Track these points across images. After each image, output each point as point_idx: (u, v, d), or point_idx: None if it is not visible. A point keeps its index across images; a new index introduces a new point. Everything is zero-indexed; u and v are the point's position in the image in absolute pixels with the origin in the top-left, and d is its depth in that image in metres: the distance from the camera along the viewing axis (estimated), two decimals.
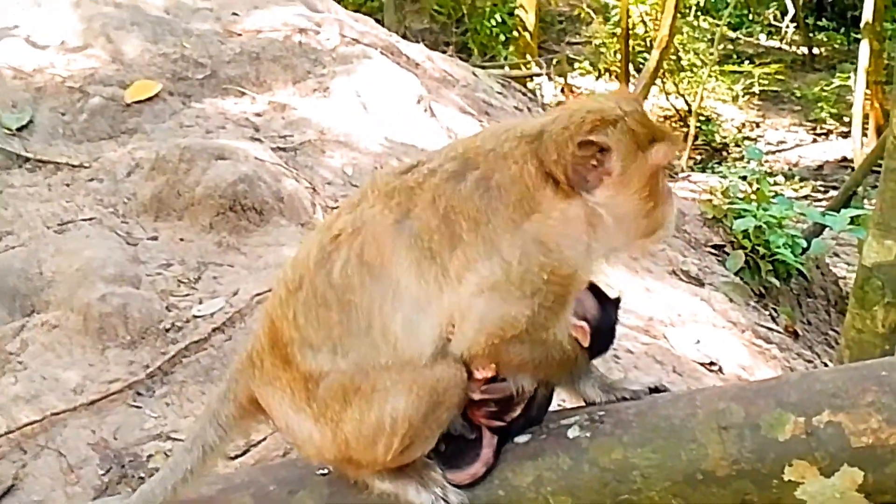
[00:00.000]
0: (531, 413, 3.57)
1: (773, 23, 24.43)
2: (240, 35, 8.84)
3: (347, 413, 3.40)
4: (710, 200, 9.81)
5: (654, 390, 3.62)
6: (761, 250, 9.13)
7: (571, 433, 3.38)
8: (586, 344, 3.57)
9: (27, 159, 7.42)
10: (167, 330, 6.08)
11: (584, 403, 3.63)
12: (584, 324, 3.57)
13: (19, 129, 7.60)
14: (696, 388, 5.89)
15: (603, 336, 3.68)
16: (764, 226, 9.19)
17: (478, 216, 3.40)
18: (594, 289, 3.69)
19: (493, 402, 3.50)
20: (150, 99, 8.02)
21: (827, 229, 10.75)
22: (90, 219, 6.86)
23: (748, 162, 10.86)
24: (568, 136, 3.45)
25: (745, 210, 9.29)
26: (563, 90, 19.44)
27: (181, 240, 6.81)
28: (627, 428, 3.31)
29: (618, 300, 3.80)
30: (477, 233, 3.38)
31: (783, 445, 3.14)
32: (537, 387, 3.55)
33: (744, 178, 9.85)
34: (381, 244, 3.43)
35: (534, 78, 17.67)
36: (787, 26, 24.24)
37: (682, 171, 16.52)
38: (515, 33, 19.11)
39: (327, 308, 3.44)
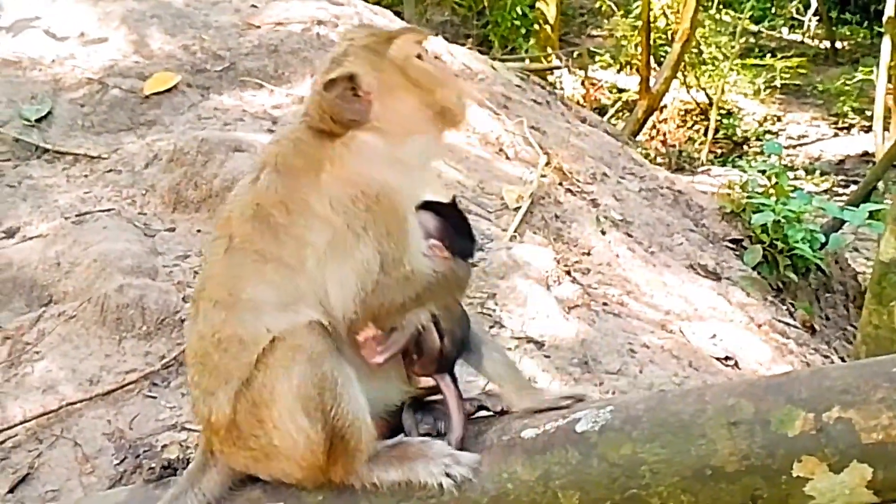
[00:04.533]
0: (455, 336, 3.64)
1: (796, 16, 24.29)
2: (258, 27, 8.85)
3: (268, 430, 3.48)
4: (729, 195, 9.76)
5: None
6: (779, 245, 9.08)
7: (580, 428, 3.38)
8: (447, 255, 3.65)
9: (46, 150, 7.46)
10: (183, 321, 6.08)
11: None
12: (434, 241, 3.66)
13: (38, 121, 7.63)
14: (711, 382, 5.88)
15: (459, 237, 3.76)
16: (782, 220, 9.14)
17: (282, 197, 3.50)
18: (429, 206, 3.76)
19: (409, 352, 3.59)
20: (168, 91, 8.04)
21: (846, 224, 10.70)
22: (108, 210, 6.89)
23: (768, 156, 10.78)
24: (315, 91, 3.61)
25: (764, 204, 9.23)
26: (583, 83, 19.40)
27: (198, 231, 6.82)
28: (636, 423, 3.31)
29: (453, 200, 3.88)
30: (288, 212, 3.48)
31: (793, 441, 3.13)
32: (437, 318, 3.60)
33: (763, 171, 9.78)
34: (222, 278, 3.56)
35: (554, 71, 17.63)
36: (810, 20, 24.11)
37: (702, 164, 16.50)
38: (536, 26, 19.06)
39: (207, 357, 3.55)
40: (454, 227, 3.76)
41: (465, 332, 3.71)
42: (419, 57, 3.68)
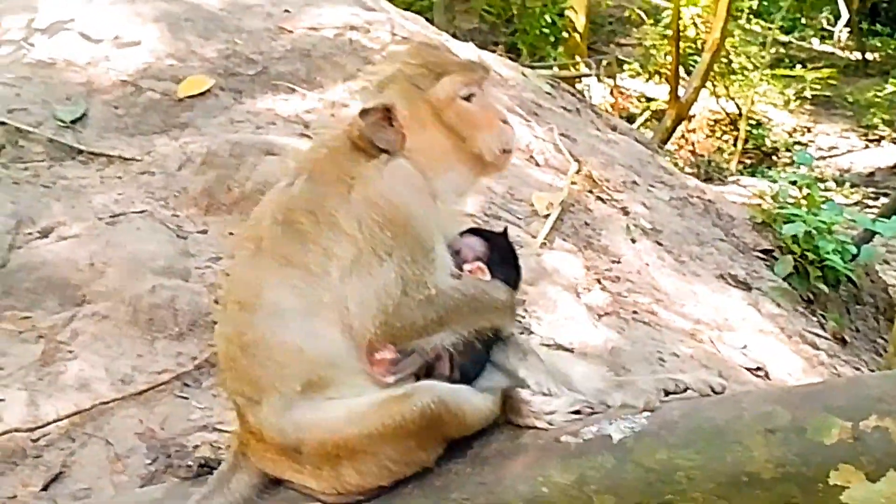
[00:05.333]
0: (467, 373, 3.67)
1: (826, 27, 24.18)
2: (291, 32, 8.89)
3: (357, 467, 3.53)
4: (760, 205, 9.72)
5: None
6: (810, 256, 9.03)
7: (616, 434, 3.38)
8: (487, 277, 3.69)
9: (80, 151, 7.50)
10: (215, 323, 6.09)
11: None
12: (477, 264, 3.70)
13: (73, 122, 7.68)
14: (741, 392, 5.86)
15: (504, 266, 3.76)
16: (813, 231, 9.10)
17: (312, 207, 3.54)
18: (478, 233, 3.82)
19: (419, 376, 3.60)
20: (201, 94, 8.08)
21: (877, 236, 10.64)
22: (141, 211, 6.93)
23: (798, 167, 10.75)
24: (357, 111, 3.63)
25: (795, 215, 9.19)
26: (611, 92, 19.37)
27: (230, 234, 6.84)
28: (672, 429, 3.31)
29: (504, 231, 3.89)
30: (317, 222, 3.52)
31: (829, 450, 3.13)
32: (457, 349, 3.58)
33: (794, 182, 9.73)
34: (248, 281, 3.60)
35: (582, 79, 17.61)
36: (841, 31, 23.99)
37: (732, 174, 16.44)
38: (565, 34, 19.04)
39: (236, 362, 3.60)
40: (500, 255, 3.78)
41: (477, 373, 3.71)
42: (469, 97, 3.66)
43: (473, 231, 3.83)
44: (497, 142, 3.66)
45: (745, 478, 3.19)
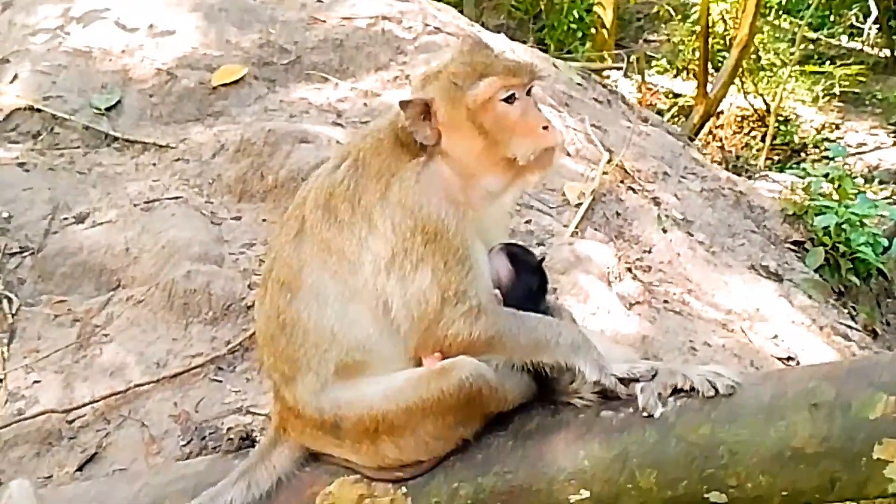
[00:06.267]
0: None
1: (856, 24, 23.99)
2: (324, 22, 8.91)
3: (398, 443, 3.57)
4: (790, 198, 9.67)
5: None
6: (842, 248, 8.96)
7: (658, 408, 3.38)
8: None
9: (115, 139, 7.56)
10: (249, 307, 6.14)
11: None
12: (496, 291, 3.63)
13: (108, 110, 7.74)
14: None
15: (522, 296, 3.67)
16: (845, 223, 9.04)
17: (351, 196, 3.59)
18: (515, 251, 3.75)
19: None
20: (235, 83, 8.12)
21: None
22: (176, 198, 6.97)
23: (828, 162, 10.67)
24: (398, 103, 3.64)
25: (827, 207, 9.13)
26: (639, 88, 19.30)
27: (264, 220, 6.88)
28: (716, 404, 3.31)
29: (541, 260, 3.83)
30: (354, 211, 3.57)
31: (874, 424, 3.13)
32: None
33: (826, 175, 9.66)
34: (290, 261, 3.64)
35: (610, 75, 17.57)
36: (870, 28, 23.80)
37: (760, 170, 16.34)
38: (593, 30, 18.97)
39: (275, 339, 3.65)
40: (521, 283, 3.70)
41: None
42: (509, 99, 3.62)
43: (511, 255, 3.75)
44: (532, 147, 3.60)
45: (788, 453, 3.19)
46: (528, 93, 3.69)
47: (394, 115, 3.71)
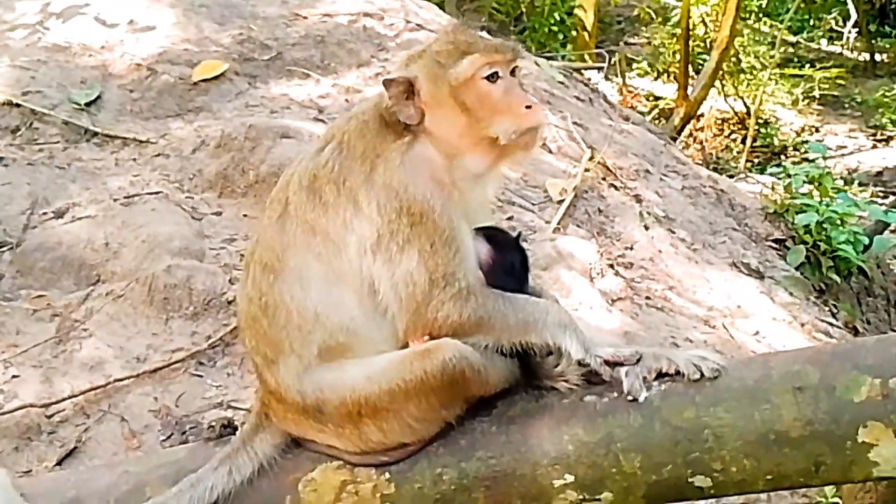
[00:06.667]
0: None
1: (835, 28, 24.12)
2: (305, 18, 8.91)
3: (381, 427, 3.54)
4: (772, 196, 9.70)
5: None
6: (823, 246, 8.99)
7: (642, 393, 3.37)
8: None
9: (95, 134, 7.52)
10: (230, 302, 6.12)
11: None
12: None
13: (88, 105, 7.70)
14: None
15: (505, 275, 3.65)
16: (826, 222, 9.07)
17: (336, 177, 3.56)
18: (491, 232, 3.72)
19: None
20: (216, 78, 8.10)
21: (888, 230, 10.60)
22: (156, 193, 6.94)
23: (810, 162, 10.72)
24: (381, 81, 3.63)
25: (808, 205, 9.16)
26: (620, 90, 19.34)
27: (245, 216, 6.86)
28: (700, 388, 3.30)
29: (518, 236, 3.84)
30: (339, 193, 3.55)
31: (858, 407, 3.12)
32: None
33: (807, 173, 9.70)
34: (272, 243, 3.61)
35: (591, 78, 17.59)
36: (849, 32, 23.92)
37: (740, 172, 16.38)
38: (574, 33, 19.01)
39: (257, 322, 3.61)
40: (503, 261, 3.68)
41: None
42: (492, 77, 3.61)
43: (489, 230, 3.75)
44: (514, 125, 3.58)
45: (773, 436, 3.18)
46: (513, 73, 3.67)
47: (378, 97, 3.69)
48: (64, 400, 5.61)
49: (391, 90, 3.58)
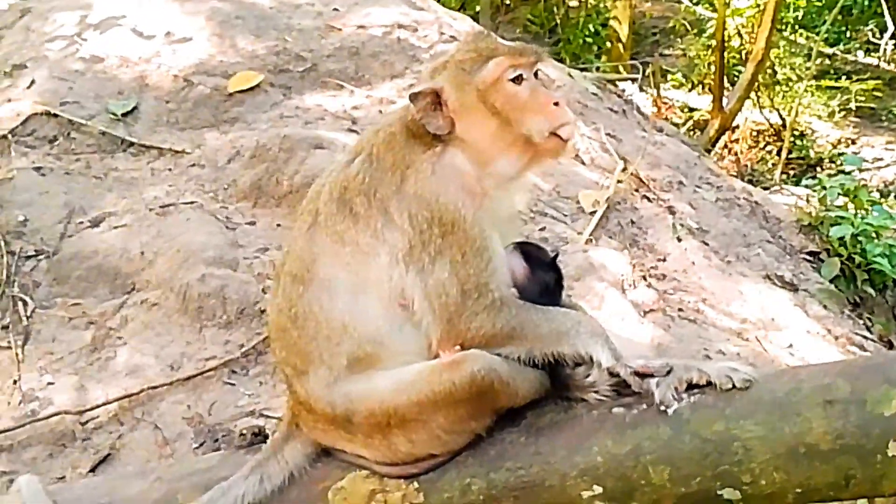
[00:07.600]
0: None
1: (872, 39, 23.94)
2: (340, 30, 8.95)
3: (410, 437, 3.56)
4: (806, 208, 9.64)
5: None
6: (857, 259, 8.92)
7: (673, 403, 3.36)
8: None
9: (132, 144, 7.60)
10: (262, 312, 6.15)
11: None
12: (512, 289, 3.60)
13: (125, 115, 7.79)
14: None
15: (539, 293, 3.65)
16: (861, 234, 9.00)
17: (366, 189, 3.58)
18: (528, 249, 3.75)
19: None
20: (251, 90, 8.17)
21: None
22: (191, 203, 6.99)
23: (846, 174, 10.62)
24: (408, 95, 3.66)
25: (842, 217, 9.09)
26: (654, 102, 19.28)
27: (278, 226, 6.90)
28: (730, 400, 3.29)
29: (555, 256, 3.84)
30: (370, 205, 3.56)
31: (889, 421, 3.11)
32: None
33: (842, 185, 9.62)
34: (302, 254, 3.64)
35: (625, 90, 17.56)
36: (886, 43, 23.75)
37: (775, 184, 16.29)
38: (608, 44, 18.99)
39: (287, 332, 3.64)
40: (535, 280, 3.69)
41: None
42: (517, 79, 3.65)
43: (525, 253, 3.75)
44: (546, 124, 3.62)
45: (803, 449, 3.17)
46: (536, 76, 3.70)
47: (403, 110, 3.72)
48: (98, 407, 5.66)
49: (418, 103, 3.61)
